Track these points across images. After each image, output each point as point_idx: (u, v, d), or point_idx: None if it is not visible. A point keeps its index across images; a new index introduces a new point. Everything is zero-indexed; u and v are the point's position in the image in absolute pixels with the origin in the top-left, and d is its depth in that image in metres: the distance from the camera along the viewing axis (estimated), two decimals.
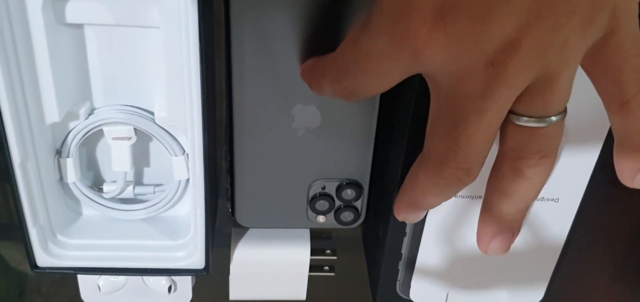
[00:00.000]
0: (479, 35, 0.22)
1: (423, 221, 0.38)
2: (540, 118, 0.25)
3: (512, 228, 0.28)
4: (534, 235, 0.39)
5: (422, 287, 0.42)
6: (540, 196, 0.37)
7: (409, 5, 0.23)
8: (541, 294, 0.43)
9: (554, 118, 0.25)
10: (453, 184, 0.26)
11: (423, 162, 0.27)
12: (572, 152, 0.36)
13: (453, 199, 0.37)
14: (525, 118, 0.25)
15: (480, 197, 0.37)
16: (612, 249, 0.51)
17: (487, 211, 0.28)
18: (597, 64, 0.25)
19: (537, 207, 0.38)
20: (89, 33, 0.37)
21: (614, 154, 0.27)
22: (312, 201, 0.42)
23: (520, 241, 0.40)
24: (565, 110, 0.25)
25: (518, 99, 0.24)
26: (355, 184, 0.41)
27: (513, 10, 0.22)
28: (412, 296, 0.42)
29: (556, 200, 0.37)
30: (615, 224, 0.49)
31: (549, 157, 0.26)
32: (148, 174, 0.43)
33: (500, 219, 0.28)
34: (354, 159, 0.40)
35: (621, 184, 0.27)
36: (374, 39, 0.26)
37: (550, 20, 0.22)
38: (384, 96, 0.38)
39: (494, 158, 0.27)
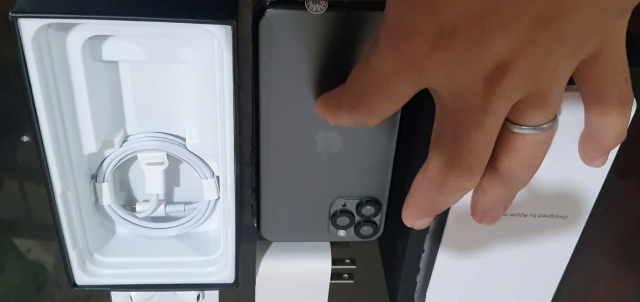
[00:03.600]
0: (477, 57, 0.24)
1: (439, 237, 0.41)
2: (532, 127, 0.27)
3: (504, 206, 0.32)
4: (542, 249, 0.42)
5: (436, 297, 0.44)
6: (549, 212, 0.40)
7: (412, 27, 0.25)
8: (548, 301, 0.46)
9: (544, 125, 0.27)
10: (456, 190, 0.29)
11: (428, 170, 0.30)
12: (580, 172, 0.38)
13: (468, 217, 0.39)
14: (519, 126, 0.27)
15: None
16: (617, 255, 0.54)
17: (483, 192, 0.31)
18: (583, 76, 0.28)
19: (546, 222, 0.40)
20: (123, 68, 0.39)
21: (581, 139, 0.32)
22: (333, 217, 0.44)
23: (529, 254, 0.42)
24: (555, 117, 0.28)
25: (512, 109, 0.26)
26: (374, 201, 0.43)
27: (507, 36, 0.24)
28: None
29: (565, 217, 0.40)
30: (620, 231, 0.52)
31: (538, 159, 0.29)
32: (178, 193, 0.45)
33: (495, 201, 0.31)
34: (374, 178, 0.43)
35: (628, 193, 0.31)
36: (382, 58, 0.27)
37: (542, 48, 0.24)
38: (403, 117, 0.40)
39: None
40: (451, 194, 0.29)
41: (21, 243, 0.55)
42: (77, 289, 0.43)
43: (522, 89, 0.25)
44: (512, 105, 0.26)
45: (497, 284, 0.45)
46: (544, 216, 0.40)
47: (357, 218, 0.44)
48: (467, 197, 0.39)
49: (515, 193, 0.31)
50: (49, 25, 0.33)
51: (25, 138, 0.44)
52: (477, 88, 0.25)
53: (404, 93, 0.28)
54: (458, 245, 0.41)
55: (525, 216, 0.39)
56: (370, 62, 0.28)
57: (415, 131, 0.39)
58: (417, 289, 0.44)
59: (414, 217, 0.33)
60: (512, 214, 0.39)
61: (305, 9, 0.34)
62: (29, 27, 0.32)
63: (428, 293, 0.44)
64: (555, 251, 0.43)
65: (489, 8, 0.23)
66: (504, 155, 0.28)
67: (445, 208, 0.31)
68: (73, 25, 0.34)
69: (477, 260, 0.43)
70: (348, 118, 0.32)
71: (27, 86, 0.34)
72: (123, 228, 0.45)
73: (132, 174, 0.44)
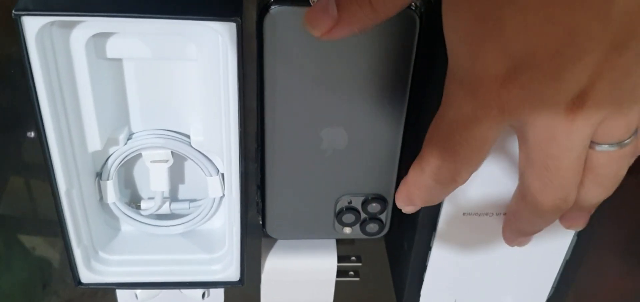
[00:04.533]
0: (556, 90, 0.25)
1: (433, 234, 0.41)
2: (615, 144, 0.27)
3: (590, 213, 0.32)
4: (538, 247, 0.41)
5: (431, 295, 0.44)
6: None
7: (486, 69, 0.25)
8: (544, 299, 0.46)
9: (627, 141, 0.27)
10: (555, 212, 0.29)
11: (525, 198, 0.29)
12: None
13: (461, 217, 0.39)
14: (602, 145, 0.27)
15: (486, 214, 0.39)
16: (615, 252, 0.54)
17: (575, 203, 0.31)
18: None
19: None
20: (127, 65, 0.38)
21: None
22: (338, 214, 0.44)
23: (525, 252, 0.42)
24: (637, 130, 0.28)
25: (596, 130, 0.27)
26: (380, 199, 0.43)
27: (584, 67, 0.24)
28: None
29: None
30: (627, 226, 0.51)
31: (623, 170, 0.29)
32: (183, 190, 0.45)
33: (583, 211, 0.31)
34: (380, 175, 0.42)
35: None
36: (459, 106, 0.27)
37: (620, 71, 0.24)
38: (409, 114, 0.40)
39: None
40: (550, 216, 0.30)
41: (27, 240, 0.55)
42: (82, 287, 0.43)
43: (603, 112, 0.26)
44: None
45: (493, 282, 0.44)
46: None
47: (363, 215, 0.44)
48: (463, 196, 0.39)
49: (601, 202, 0.31)
50: (52, 23, 0.33)
51: (31, 134, 0.44)
52: (560, 118, 0.25)
53: (489, 136, 0.28)
54: (453, 243, 0.41)
55: None
56: (446, 115, 0.28)
57: (421, 128, 0.39)
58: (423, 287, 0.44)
59: (519, 242, 0.35)
60: (504, 214, 0.39)
61: (310, 5, 0.34)
62: (33, 25, 0.32)
63: (423, 290, 0.44)
64: (551, 249, 0.43)
65: (563, 42, 0.23)
66: (590, 172, 0.29)
67: (544, 228, 0.32)
68: (77, 22, 0.34)
69: (472, 258, 0.42)
70: (433, 180, 0.30)
71: (31, 84, 0.34)
72: (128, 226, 0.45)
73: (137, 172, 0.44)
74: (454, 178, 0.30)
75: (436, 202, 0.32)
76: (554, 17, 0.23)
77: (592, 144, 0.27)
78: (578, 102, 0.25)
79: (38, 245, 0.56)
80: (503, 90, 0.25)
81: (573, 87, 0.24)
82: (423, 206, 0.33)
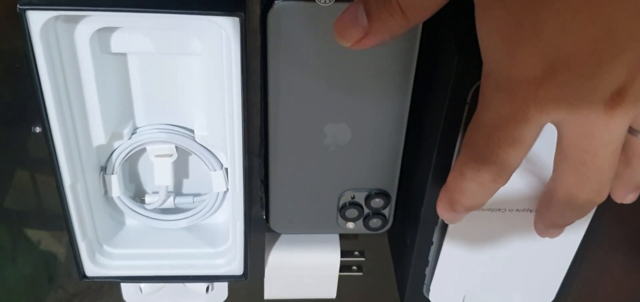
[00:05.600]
0: (594, 88, 0.25)
1: (444, 230, 0.41)
2: None
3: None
4: (548, 245, 0.41)
5: (441, 290, 0.44)
6: None
7: (523, 71, 0.26)
8: (552, 295, 0.46)
9: None
10: (590, 205, 0.30)
11: (557, 192, 0.30)
12: None
13: (475, 212, 0.39)
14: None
15: (498, 209, 0.39)
16: (620, 249, 0.54)
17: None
18: None
19: None
20: (132, 60, 0.39)
21: None
22: (342, 209, 0.44)
23: (534, 249, 0.42)
24: None
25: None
26: (383, 194, 0.43)
27: (622, 64, 0.24)
28: (431, 298, 0.45)
29: None
30: (631, 224, 0.51)
31: None
32: (187, 185, 0.45)
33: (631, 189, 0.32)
34: (383, 171, 0.42)
35: None
36: (497, 109, 0.27)
37: None
38: (412, 109, 0.40)
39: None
40: (585, 210, 0.30)
41: (33, 234, 0.55)
42: (86, 280, 0.43)
43: None
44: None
45: (502, 279, 0.44)
46: None
47: (366, 210, 0.44)
48: None
49: None
50: (57, 18, 0.33)
51: (36, 129, 0.44)
52: (598, 114, 0.26)
53: (527, 136, 0.28)
54: (463, 239, 0.41)
55: (531, 211, 0.39)
56: (484, 118, 0.28)
57: (425, 124, 0.39)
58: (425, 282, 0.44)
59: (545, 233, 0.35)
60: (518, 210, 0.39)
61: (313, 0, 0.34)
62: (37, 19, 0.33)
63: (432, 286, 0.44)
64: (560, 247, 0.43)
65: (601, 41, 0.24)
66: (630, 160, 0.29)
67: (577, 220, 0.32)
68: (81, 17, 0.34)
69: (482, 254, 0.42)
70: (475, 183, 0.30)
71: (36, 78, 0.34)
72: (132, 220, 0.46)
73: (142, 166, 0.44)
74: (495, 179, 0.30)
75: (478, 207, 0.32)
76: (591, 18, 0.23)
77: (634, 131, 0.28)
78: (616, 99, 0.25)
79: (43, 239, 0.56)
80: (541, 90, 0.25)
81: (611, 85, 0.25)
82: (465, 212, 0.32)
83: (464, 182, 0.30)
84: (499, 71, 0.27)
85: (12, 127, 0.45)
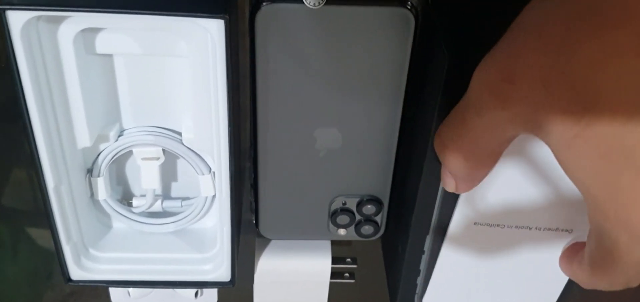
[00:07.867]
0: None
1: (440, 241, 0.40)
2: None
3: None
4: (545, 262, 0.40)
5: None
6: (555, 226, 0.38)
7: (513, 74, 0.26)
8: None
9: None
10: None
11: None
12: None
13: (472, 226, 0.38)
14: None
15: (497, 225, 0.39)
16: None
17: None
18: None
19: (551, 236, 0.39)
20: (118, 61, 0.38)
21: None
22: (333, 215, 0.43)
23: (531, 266, 0.41)
24: None
25: None
26: (375, 200, 0.42)
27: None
28: None
29: (570, 231, 0.38)
30: None
31: None
32: (175, 188, 0.44)
33: None
34: (374, 177, 0.41)
35: None
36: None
37: None
38: (405, 115, 0.39)
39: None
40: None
41: (32, 230, 0.55)
42: (72, 284, 0.42)
43: None
44: None
45: (497, 294, 0.43)
46: (549, 229, 0.38)
47: (358, 217, 0.43)
48: (476, 206, 0.38)
49: None
50: (38, 18, 0.33)
51: None
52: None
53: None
54: (459, 252, 0.40)
55: (529, 228, 0.38)
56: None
57: (417, 129, 0.38)
58: (417, 292, 0.43)
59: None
60: (516, 226, 0.38)
61: (302, 2, 0.33)
62: (17, 19, 0.32)
63: (425, 298, 0.43)
64: (555, 269, 0.42)
65: None
66: None
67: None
68: (64, 17, 0.34)
69: (481, 268, 0.41)
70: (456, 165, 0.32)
71: (17, 79, 0.34)
72: (119, 223, 0.45)
73: (129, 169, 0.43)
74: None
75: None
76: None
77: None
78: None
79: (42, 235, 0.56)
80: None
81: None
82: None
83: (451, 162, 0.32)
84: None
85: (8, 124, 0.44)
